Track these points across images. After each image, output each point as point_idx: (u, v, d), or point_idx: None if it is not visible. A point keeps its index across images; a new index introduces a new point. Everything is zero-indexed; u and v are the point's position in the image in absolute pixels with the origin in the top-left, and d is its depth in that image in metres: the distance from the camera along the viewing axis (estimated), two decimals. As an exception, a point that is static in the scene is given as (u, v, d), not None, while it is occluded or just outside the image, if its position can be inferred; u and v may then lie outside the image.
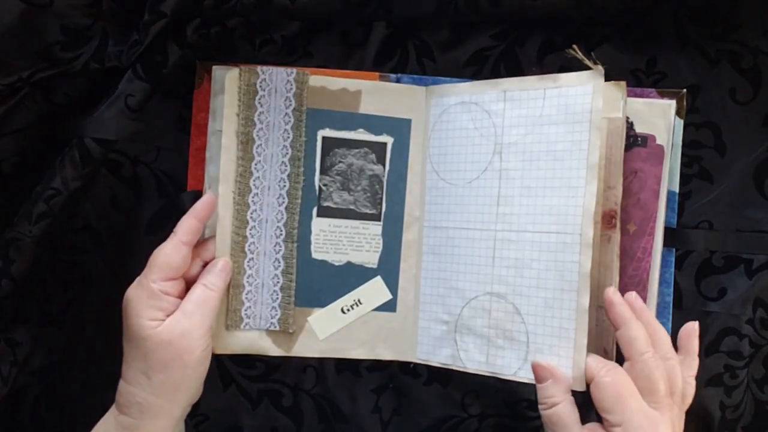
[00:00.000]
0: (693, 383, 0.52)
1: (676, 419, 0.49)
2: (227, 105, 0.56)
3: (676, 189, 0.58)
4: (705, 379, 0.59)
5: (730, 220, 0.60)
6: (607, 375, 0.49)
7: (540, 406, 0.51)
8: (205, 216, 0.55)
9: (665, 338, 0.52)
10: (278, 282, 0.57)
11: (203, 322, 0.52)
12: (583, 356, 0.51)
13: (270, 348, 0.58)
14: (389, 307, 0.59)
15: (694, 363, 0.53)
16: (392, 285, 0.59)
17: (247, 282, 0.57)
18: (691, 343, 0.53)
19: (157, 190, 0.60)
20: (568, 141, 0.52)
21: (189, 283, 0.54)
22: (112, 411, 0.52)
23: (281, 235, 0.57)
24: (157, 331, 0.51)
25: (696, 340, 0.53)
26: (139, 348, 0.51)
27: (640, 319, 0.51)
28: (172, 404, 0.52)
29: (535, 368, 0.52)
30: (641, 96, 0.57)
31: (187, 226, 0.54)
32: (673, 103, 0.56)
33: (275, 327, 0.57)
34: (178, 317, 0.51)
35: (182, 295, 0.53)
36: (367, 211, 0.58)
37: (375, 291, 0.58)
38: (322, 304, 0.58)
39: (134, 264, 0.59)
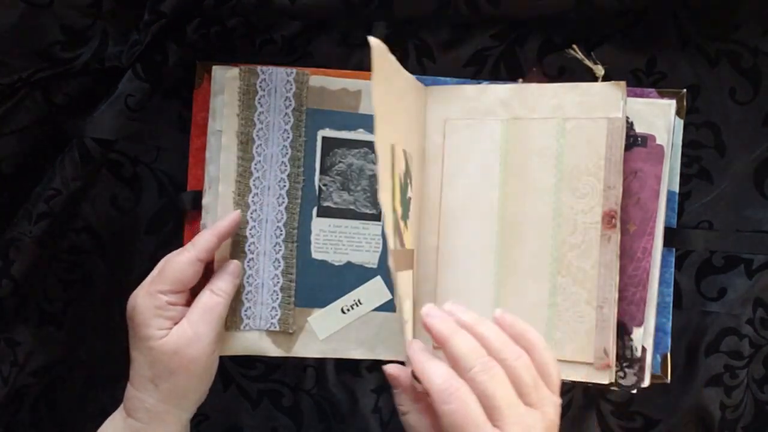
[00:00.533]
0: (548, 358, 0.46)
1: (532, 422, 0.43)
2: (227, 105, 0.56)
3: (676, 189, 0.58)
4: (705, 379, 0.59)
5: (730, 220, 0.60)
6: (447, 401, 0.42)
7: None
8: (228, 236, 0.54)
9: (495, 337, 0.45)
10: (278, 282, 0.57)
11: (209, 330, 0.51)
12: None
13: (270, 348, 0.58)
14: (389, 307, 0.59)
15: (533, 336, 0.46)
16: (392, 285, 0.59)
17: (247, 282, 0.57)
18: (515, 329, 0.46)
19: (157, 190, 0.60)
20: None
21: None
22: (121, 413, 0.52)
23: (281, 235, 0.57)
24: (163, 341, 0.50)
25: (514, 321, 0.46)
26: (146, 356, 0.51)
27: (465, 326, 0.45)
28: (180, 410, 0.52)
29: (386, 374, 0.48)
30: (641, 96, 0.57)
31: (205, 244, 0.53)
32: (673, 103, 0.56)
33: (275, 327, 0.57)
34: (183, 326, 0.51)
35: (189, 303, 0.53)
36: (367, 211, 0.58)
37: (375, 291, 0.58)
38: (322, 305, 0.58)
39: (134, 264, 0.59)
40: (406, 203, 0.52)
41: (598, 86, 0.55)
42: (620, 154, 0.54)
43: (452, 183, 0.58)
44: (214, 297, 0.53)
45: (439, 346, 0.45)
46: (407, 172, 0.52)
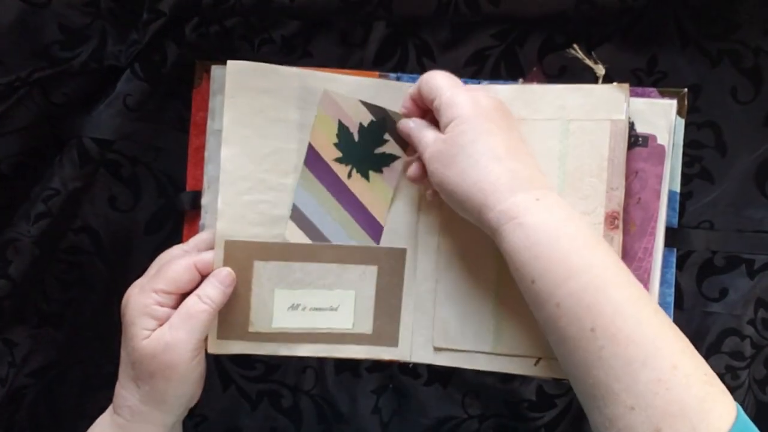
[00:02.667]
0: None
1: None
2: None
3: (677, 189, 0.58)
4: (706, 380, 0.59)
5: (732, 220, 0.59)
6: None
7: None
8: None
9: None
10: None
11: (190, 337, 0.50)
12: None
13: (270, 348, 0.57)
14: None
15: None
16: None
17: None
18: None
19: (156, 190, 0.60)
20: None
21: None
22: (110, 409, 0.52)
23: None
24: (143, 343, 0.49)
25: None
26: (130, 355, 0.51)
27: None
28: (162, 413, 0.51)
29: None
30: (642, 96, 0.57)
31: (210, 260, 0.53)
32: (674, 102, 0.56)
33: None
34: (164, 331, 0.50)
35: (177, 306, 0.51)
36: None
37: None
38: None
39: (133, 264, 0.59)
40: (364, 155, 0.56)
41: (602, 88, 0.55)
42: (623, 155, 0.54)
43: None
44: (200, 304, 0.51)
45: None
46: (376, 127, 0.56)
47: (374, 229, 0.57)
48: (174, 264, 0.52)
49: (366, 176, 0.57)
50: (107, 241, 0.60)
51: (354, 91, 0.56)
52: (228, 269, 0.53)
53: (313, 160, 0.56)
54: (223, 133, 0.54)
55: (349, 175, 0.56)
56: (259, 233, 0.55)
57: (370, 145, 0.56)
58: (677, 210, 0.58)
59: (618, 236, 0.54)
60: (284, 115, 0.55)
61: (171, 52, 0.58)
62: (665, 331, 0.44)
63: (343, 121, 0.56)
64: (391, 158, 0.57)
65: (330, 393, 0.62)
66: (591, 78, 0.57)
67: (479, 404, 0.62)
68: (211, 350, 0.54)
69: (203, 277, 0.53)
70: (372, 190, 0.57)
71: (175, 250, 0.54)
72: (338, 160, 0.56)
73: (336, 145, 0.56)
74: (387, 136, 0.57)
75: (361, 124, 0.56)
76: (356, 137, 0.56)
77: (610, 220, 0.54)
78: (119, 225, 0.60)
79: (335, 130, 0.56)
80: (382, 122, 0.56)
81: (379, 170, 0.57)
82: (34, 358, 0.60)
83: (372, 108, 0.56)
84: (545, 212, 0.47)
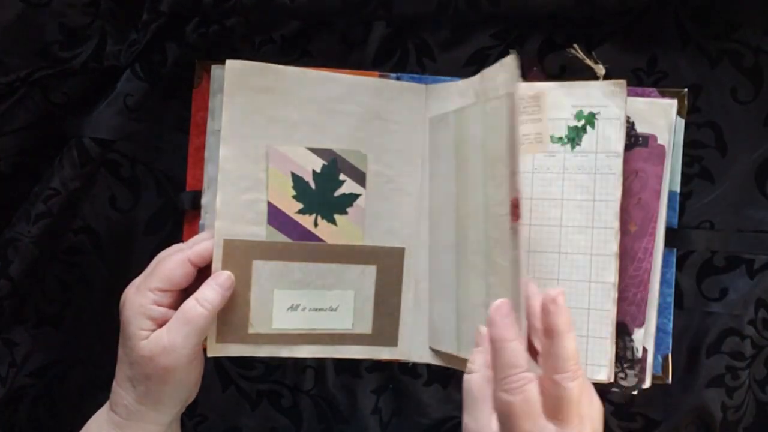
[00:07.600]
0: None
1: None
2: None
3: (678, 189, 0.58)
4: (706, 380, 0.59)
5: (732, 220, 0.59)
6: (512, 393, 0.43)
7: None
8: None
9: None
10: None
11: (186, 341, 0.50)
12: None
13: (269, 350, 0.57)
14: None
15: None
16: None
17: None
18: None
19: (155, 190, 0.60)
20: None
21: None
22: (107, 405, 0.52)
23: None
24: (141, 344, 0.49)
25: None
26: (127, 355, 0.50)
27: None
28: (157, 413, 0.51)
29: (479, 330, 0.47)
30: (642, 95, 0.57)
31: (202, 251, 0.52)
32: (674, 102, 0.56)
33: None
34: (161, 333, 0.50)
35: (177, 306, 0.51)
36: None
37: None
38: None
39: (133, 264, 0.59)
40: (325, 201, 0.56)
41: (494, 67, 0.51)
42: (518, 133, 0.48)
43: (433, 181, 0.57)
44: (198, 308, 0.50)
45: (547, 335, 0.44)
46: (329, 170, 0.56)
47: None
48: (167, 261, 0.51)
49: (332, 221, 0.56)
50: (107, 241, 0.60)
51: (354, 91, 0.56)
52: (228, 273, 0.53)
53: (275, 216, 0.55)
54: (222, 132, 0.54)
55: (316, 224, 0.56)
56: (258, 233, 0.55)
57: (328, 189, 0.56)
58: (677, 210, 0.58)
59: (521, 227, 0.47)
60: (283, 114, 0.55)
61: (171, 52, 0.58)
62: None
63: (296, 172, 0.55)
64: (353, 198, 0.57)
65: (330, 393, 0.62)
66: (591, 78, 0.57)
67: (479, 404, 0.62)
68: (211, 354, 0.54)
69: (199, 269, 0.52)
70: (342, 233, 0.57)
71: (173, 248, 0.54)
72: (301, 211, 0.56)
73: (295, 197, 0.55)
74: (342, 176, 0.56)
75: (314, 171, 0.56)
76: (312, 185, 0.56)
77: (512, 209, 0.47)
78: (119, 225, 0.60)
79: (290, 183, 0.55)
80: (334, 164, 0.56)
81: (344, 212, 0.57)
82: (34, 358, 0.60)
83: (320, 152, 0.56)
84: None
